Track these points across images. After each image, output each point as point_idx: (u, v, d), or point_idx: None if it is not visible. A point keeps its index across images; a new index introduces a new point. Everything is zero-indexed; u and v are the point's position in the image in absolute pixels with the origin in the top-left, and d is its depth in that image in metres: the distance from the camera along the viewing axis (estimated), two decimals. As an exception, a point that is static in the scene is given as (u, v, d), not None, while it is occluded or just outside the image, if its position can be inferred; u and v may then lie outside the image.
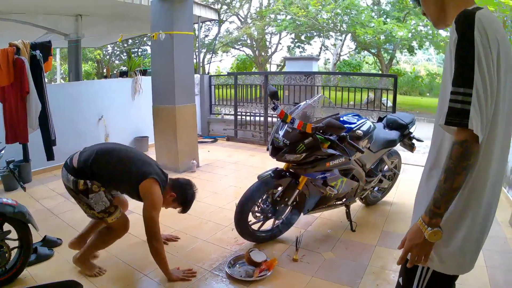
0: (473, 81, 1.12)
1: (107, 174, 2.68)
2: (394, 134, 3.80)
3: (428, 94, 25.02)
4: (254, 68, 23.62)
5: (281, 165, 3.22)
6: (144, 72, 7.61)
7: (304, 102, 3.31)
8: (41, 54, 4.44)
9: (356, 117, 3.51)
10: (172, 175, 5.33)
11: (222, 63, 27.73)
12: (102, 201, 2.63)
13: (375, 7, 18.18)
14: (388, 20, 15.83)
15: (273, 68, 25.90)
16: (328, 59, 23.98)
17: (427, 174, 1.40)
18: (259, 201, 3.15)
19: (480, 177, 1.25)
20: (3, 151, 2.77)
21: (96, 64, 25.23)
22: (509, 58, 1.20)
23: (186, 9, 5.60)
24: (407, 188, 4.75)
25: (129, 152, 2.85)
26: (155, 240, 2.58)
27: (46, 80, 4.60)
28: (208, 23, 17.58)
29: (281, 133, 2.97)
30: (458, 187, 1.18)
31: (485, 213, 1.30)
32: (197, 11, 8.20)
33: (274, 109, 3.03)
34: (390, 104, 8.44)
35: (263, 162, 6.32)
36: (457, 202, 1.25)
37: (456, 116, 1.14)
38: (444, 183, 1.18)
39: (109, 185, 2.74)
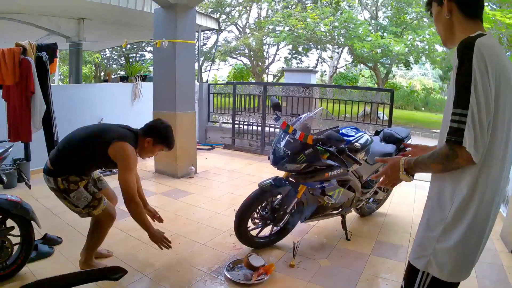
0: (469, 103, 1.24)
1: (77, 160, 2.65)
2: (390, 148, 3.91)
3: (423, 108, 25.31)
4: (250, 78, 23.78)
5: (281, 173, 3.32)
6: (144, 78, 7.69)
7: (305, 114, 3.42)
8: (47, 56, 4.52)
9: (355, 130, 3.62)
10: (170, 181, 5.53)
11: (219, 72, 27.99)
12: (83, 197, 2.66)
13: (373, 21, 18.46)
14: (385, 34, 16.05)
15: (270, 79, 26.09)
16: (325, 71, 24.25)
17: (433, 177, 1.52)
18: (259, 208, 3.25)
19: (479, 190, 1.34)
20: (11, 149, 2.84)
21: (94, 68, 25.32)
22: (508, 81, 1.31)
23: (189, 18, 5.73)
24: (401, 200, 4.88)
25: (86, 129, 2.81)
26: (134, 203, 2.56)
27: (51, 81, 4.66)
28: (207, 31, 17.73)
29: (282, 143, 3.08)
30: (433, 170, 1.41)
31: (481, 226, 1.39)
32: (198, 20, 8.35)
33: (276, 120, 3.14)
34: (385, 117, 8.59)
35: (260, 171, 6.42)
36: (455, 211, 1.36)
37: (453, 134, 1.28)
38: (428, 158, 1.39)
39: (86, 168, 2.72)
